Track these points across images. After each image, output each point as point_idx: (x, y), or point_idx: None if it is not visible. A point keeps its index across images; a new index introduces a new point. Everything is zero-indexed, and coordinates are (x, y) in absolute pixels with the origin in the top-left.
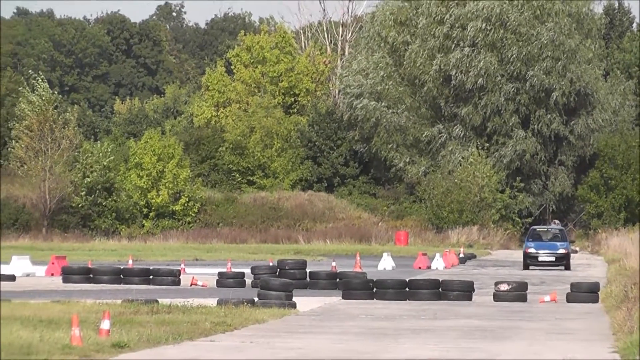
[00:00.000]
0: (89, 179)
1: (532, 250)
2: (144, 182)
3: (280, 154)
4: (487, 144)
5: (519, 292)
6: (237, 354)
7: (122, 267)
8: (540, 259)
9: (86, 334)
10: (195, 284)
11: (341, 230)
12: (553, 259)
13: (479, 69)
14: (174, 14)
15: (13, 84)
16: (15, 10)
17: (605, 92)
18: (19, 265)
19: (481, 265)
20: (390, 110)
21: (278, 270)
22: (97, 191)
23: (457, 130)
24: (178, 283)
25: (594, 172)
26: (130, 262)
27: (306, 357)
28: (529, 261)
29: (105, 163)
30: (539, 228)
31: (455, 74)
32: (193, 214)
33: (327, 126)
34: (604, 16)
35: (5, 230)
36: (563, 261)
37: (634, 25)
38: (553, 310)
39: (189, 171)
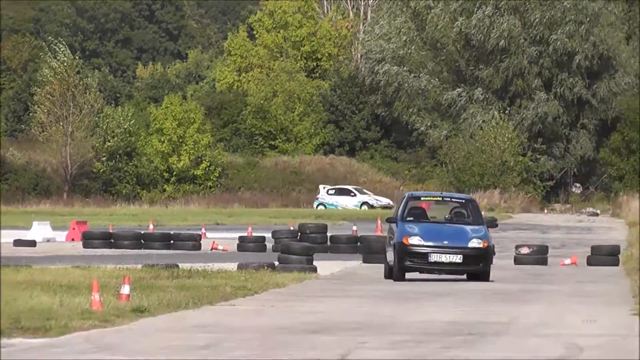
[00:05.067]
0: (110, 144)
1: (417, 240)
2: (165, 147)
3: (303, 118)
4: (509, 107)
5: (539, 256)
6: (258, 318)
7: (143, 232)
8: (433, 258)
9: (106, 299)
10: (216, 249)
11: None
12: (458, 259)
13: (501, 30)
14: None
15: (35, 50)
16: None
17: (627, 55)
18: (39, 230)
19: (502, 229)
20: (412, 75)
21: (299, 234)
22: (118, 156)
23: (478, 93)
24: (199, 247)
25: (616, 135)
26: (151, 226)
27: (326, 321)
28: (410, 261)
29: (126, 127)
30: (425, 196)
31: (476, 33)
32: (214, 179)
33: (349, 90)
34: None
35: (26, 195)
36: (478, 263)
37: None
38: (573, 273)
39: (210, 136)
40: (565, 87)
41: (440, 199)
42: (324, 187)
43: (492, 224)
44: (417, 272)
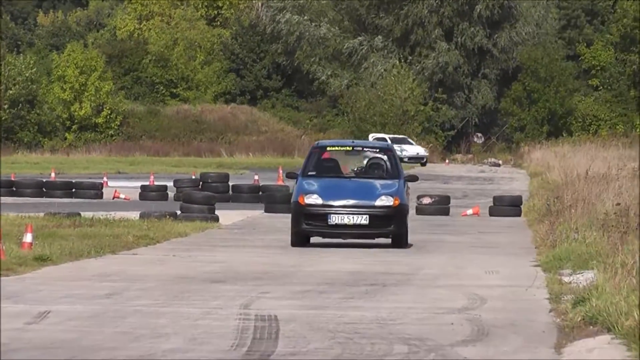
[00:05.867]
0: (11, 92)
1: (314, 199)
2: (66, 95)
3: (204, 67)
4: (410, 57)
5: (441, 206)
6: (159, 267)
7: (44, 180)
8: (334, 220)
9: (8, 247)
10: (118, 197)
11: (264, 143)
12: (364, 220)
13: None
14: None
15: None
16: None
17: (528, 5)
18: None
19: None
20: (313, 24)
21: (201, 183)
22: (20, 104)
23: (378, 41)
24: (100, 196)
25: (517, 85)
26: (52, 175)
27: (228, 271)
28: (307, 225)
29: (27, 75)
30: (333, 146)
31: None
32: (116, 127)
33: (250, 39)
34: None
35: None
36: (388, 225)
37: None
38: (475, 224)
39: (111, 84)
40: (466, 37)
41: (351, 148)
42: (372, 136)
43: (413, 178)
44: (320, 237)
